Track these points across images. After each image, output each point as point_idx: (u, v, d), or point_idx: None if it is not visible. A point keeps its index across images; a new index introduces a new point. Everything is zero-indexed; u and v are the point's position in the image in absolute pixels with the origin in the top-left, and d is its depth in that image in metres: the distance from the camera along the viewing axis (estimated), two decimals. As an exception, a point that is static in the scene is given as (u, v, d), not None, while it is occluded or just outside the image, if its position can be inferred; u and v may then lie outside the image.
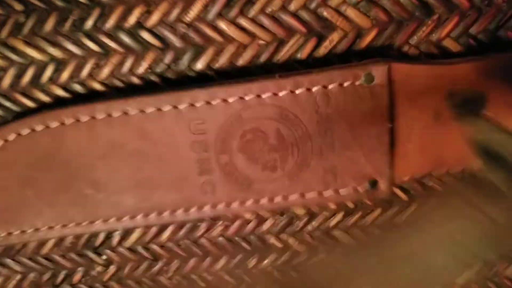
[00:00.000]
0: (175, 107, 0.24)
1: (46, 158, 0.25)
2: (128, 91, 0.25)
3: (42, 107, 0.25)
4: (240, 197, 0.26)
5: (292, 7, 0.25)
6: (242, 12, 0.25)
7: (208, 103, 0.24)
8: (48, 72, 0.25)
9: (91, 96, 0.25)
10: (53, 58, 0.25)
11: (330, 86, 0.24)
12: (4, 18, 0.24)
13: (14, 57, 0.25)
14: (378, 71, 0.24)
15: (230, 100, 0.24)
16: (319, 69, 0.25)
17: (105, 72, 0.25)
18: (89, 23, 0.24)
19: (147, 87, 0.25)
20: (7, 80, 0.25)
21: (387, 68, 0.24)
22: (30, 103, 0.25)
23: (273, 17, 0.25)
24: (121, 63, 0.25)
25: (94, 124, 0.24)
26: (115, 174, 0.25)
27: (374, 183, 0.26)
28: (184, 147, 0.25)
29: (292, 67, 0.26)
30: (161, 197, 0.25)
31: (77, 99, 0.25)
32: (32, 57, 0.25)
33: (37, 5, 0.24)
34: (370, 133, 0.25)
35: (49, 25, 0.24)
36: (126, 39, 0.25)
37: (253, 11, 0.25)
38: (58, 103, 0.25)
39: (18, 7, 0.24)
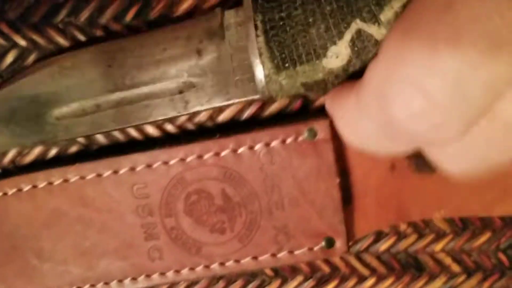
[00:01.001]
0: (115, 172, 0.25)
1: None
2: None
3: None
4: (190, 262, 0.25)
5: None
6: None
7: (149, 166, 0.25)
8: None
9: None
10: None
11: (273, 144, 0.24)
12: None
13: None
14: (320, 126, 0.24)
15: (172, 162, 0.24)
16: (261, 127, 0.25)
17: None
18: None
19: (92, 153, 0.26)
20: None
21: (329, 122, 0.24)
22: None
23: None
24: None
25: (35, 193, 0.25)
26: (60, 243, 0.25)
27: (330, 242, 0.25)
28: (128, 212, 0.25)
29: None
30: (107, 266, 0.25)
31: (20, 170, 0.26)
32: None
33: None
34: (319, 189, 0.25)
35: None
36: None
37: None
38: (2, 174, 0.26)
39: None
